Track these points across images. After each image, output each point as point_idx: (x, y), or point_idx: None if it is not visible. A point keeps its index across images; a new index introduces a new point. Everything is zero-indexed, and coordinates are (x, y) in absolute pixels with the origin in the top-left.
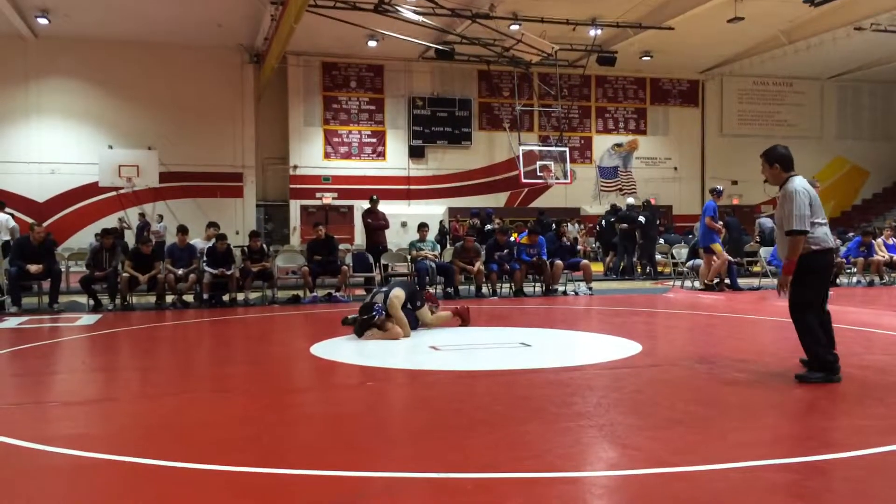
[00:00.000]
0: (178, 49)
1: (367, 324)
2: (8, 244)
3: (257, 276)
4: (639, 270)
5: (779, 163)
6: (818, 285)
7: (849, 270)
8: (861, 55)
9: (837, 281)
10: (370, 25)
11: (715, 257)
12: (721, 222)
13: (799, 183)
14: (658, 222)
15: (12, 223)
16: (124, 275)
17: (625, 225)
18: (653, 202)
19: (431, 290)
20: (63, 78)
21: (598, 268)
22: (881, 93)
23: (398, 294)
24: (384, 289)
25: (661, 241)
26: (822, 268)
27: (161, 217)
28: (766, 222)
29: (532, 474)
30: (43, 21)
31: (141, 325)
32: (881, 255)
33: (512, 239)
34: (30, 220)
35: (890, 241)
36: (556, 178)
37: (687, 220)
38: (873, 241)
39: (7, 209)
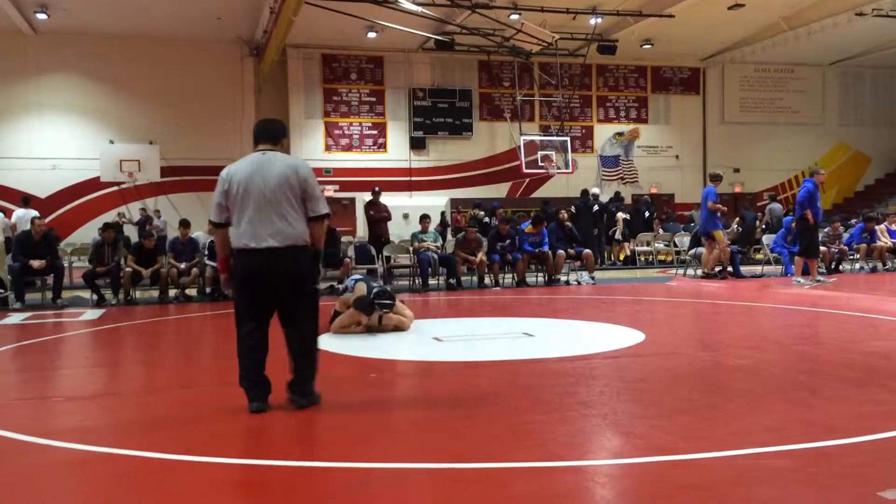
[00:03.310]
0: (177, 43)
1: (375, 307)
2: (9, 240)
3: None
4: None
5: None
6: (239, 292)
7: (852, 257)
8: (863, 41)
9: (840, 267)
10: (369, 17)
11: (716, 245)
12: (723, 211)
13: (233, 165)
14: (610, 215)
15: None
16: (127, 269)
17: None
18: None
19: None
20: (63, 73)
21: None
22: (883, 78)
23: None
24: (374, 284)
25: (661, 230)
26: (239, 271)
27: (159, 213)
28: (776, 208)
29: (536, 463)
30: (42, 16)
31: (144, 319)
32: (884, 241)
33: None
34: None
35: (893, 227)
36: (558, 168)
37: (689, 208)
38: (876, 228)
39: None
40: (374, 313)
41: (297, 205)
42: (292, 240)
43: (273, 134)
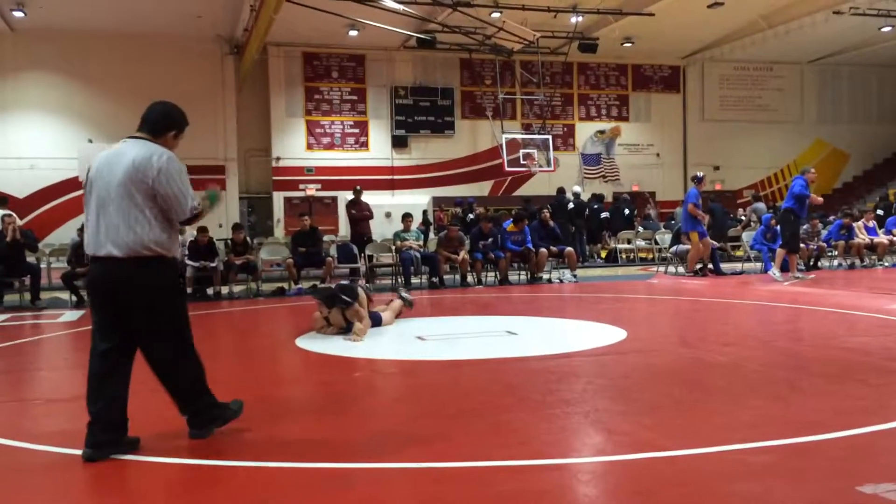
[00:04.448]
0: (157, 41)
1: (337, 300)
2: None
3: (241, 268)
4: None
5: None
6: (90, 304)
7: (830, 254)
8: (840, 39)
9: (819, 264)
10: (351, 15)
11: (691, 243)
12: (703, 217)
13: (100, 153)
14: (596, 213)
15: None
16: None
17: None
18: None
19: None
20: (41, 71)
21: None
22: (860, 76)
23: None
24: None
25: (640, 228)
26: (87, 282)
27: None
28: (760, 206)
29: (519, 462)
30: (19, 14)
31: None
32: (862, 237)
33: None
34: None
35: (870, 224)
36: (540, 166)
37: (670, 206)
38: (854, 225)
39: None
40: (336, 308)
41: (146, 206)
42: (138, 248)
43: (153, 122)
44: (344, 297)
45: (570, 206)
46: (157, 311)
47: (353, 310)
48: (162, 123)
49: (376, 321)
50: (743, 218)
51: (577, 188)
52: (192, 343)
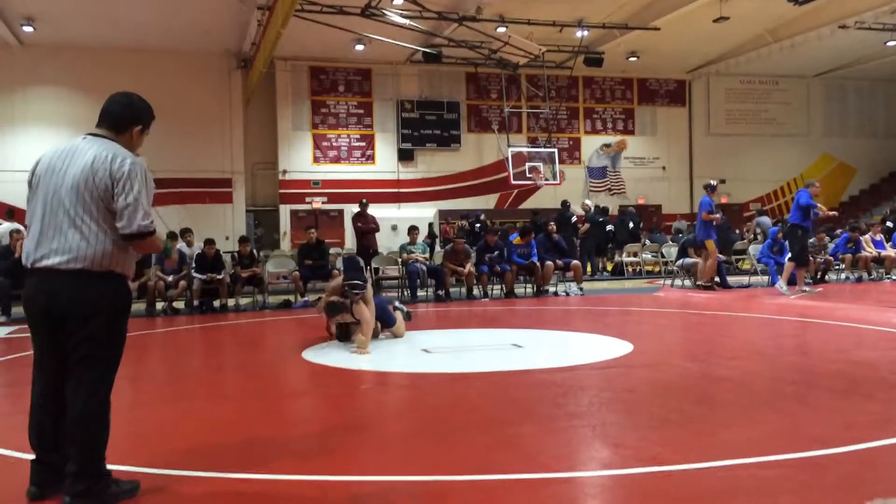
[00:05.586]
0: (165, 55)
1: (339, 306)
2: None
3: (248, 281)
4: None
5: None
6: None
7: (837, 267)
8: (846, 53)
9: (826, 278)
10: (357, 29)
11: (708, 255)
12: (717, 220)
13: (46, 151)
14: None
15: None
16: None
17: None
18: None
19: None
20: (49, 86)
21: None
22: (866, 90)
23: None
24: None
25: (647, 241)
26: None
27: None
28: (765, 221)
29: (525, 475)
30: (28, 29)
31: (131, 332)
32: (869, 251)
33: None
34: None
35: (877, 237)
36: (546, 180)
37: (676, 219)
38: (861, 238)
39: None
40: (346, 304)
41: (100, 214)
42: (83, 260)
43: (115, 115)
44: (354, 291)
45: (574, 219)
46: (91, 341)
47: (359, 307)
48: (125, 116)
49: (390, 321)
50: (746, 235)
51: (587, 202)
52: (108, 394)
